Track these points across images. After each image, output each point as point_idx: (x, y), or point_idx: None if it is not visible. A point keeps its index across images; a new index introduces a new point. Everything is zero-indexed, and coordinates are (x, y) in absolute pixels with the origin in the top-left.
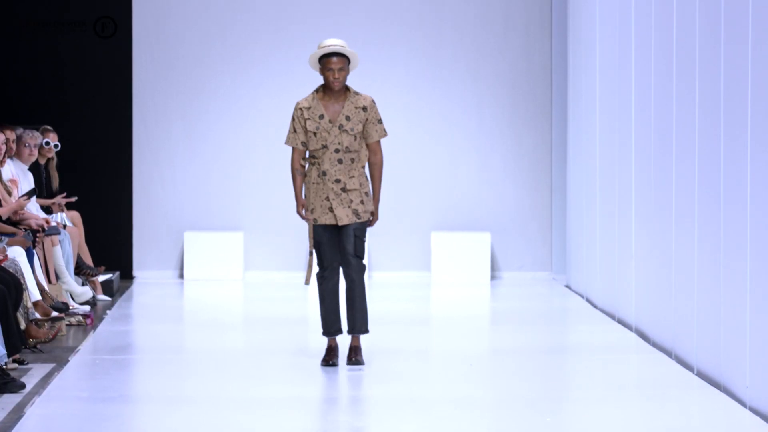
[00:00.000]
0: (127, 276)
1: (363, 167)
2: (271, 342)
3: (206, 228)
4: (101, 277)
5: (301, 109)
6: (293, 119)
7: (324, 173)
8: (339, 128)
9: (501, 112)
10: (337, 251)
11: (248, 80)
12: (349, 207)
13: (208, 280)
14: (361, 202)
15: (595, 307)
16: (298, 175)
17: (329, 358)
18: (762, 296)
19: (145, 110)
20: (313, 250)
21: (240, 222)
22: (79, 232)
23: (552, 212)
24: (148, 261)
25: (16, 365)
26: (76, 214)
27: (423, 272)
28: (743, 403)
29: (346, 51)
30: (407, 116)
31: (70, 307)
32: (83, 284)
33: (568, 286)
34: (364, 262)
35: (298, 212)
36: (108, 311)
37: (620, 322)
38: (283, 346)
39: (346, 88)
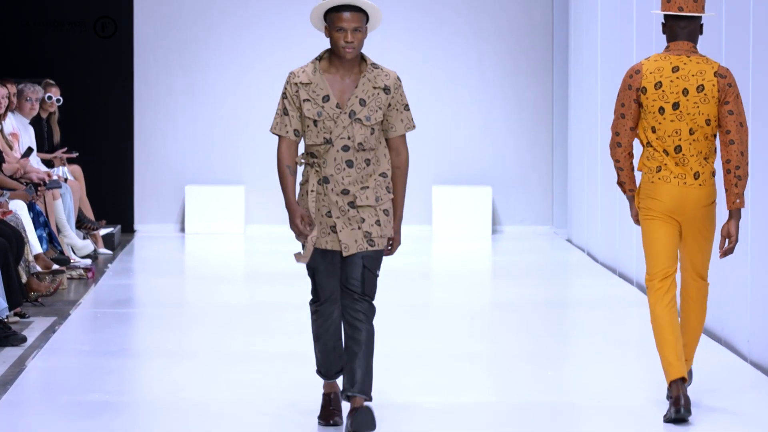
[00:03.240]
0: (128, 230)
1: (382, 174)
2: (272, 296)
3: (207, 182)
4: (102, 231)
5: (297, 84)
6: (284, 97)
7: (326, 180)
8: (350, 116)
9: (502, 67)
10: (337, 280)
11: (250, 34)
12: (359, 229)
13: (209, 234)
14: (377, 222)
15: (596, 261)
16: (290, 174)
17: (330, 416)
18: (763, 251)
19: (146, 64)
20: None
21: (241, 176)
22: (80, 185)
23: (553, 166)
24: (149, 215)
25: (17, 318)
26: (77, 168)
27: (424, 226)
28: (744, 357)
29: (364, 3)
30: (409, 72)
31: (71, 261)
32: (84, 238)
33: (569, 240)
34: (375, 302)
35: (293, 224)
36: (109, 265)
37: (621, 276)
38: (284, 300)
39: (362, 59)
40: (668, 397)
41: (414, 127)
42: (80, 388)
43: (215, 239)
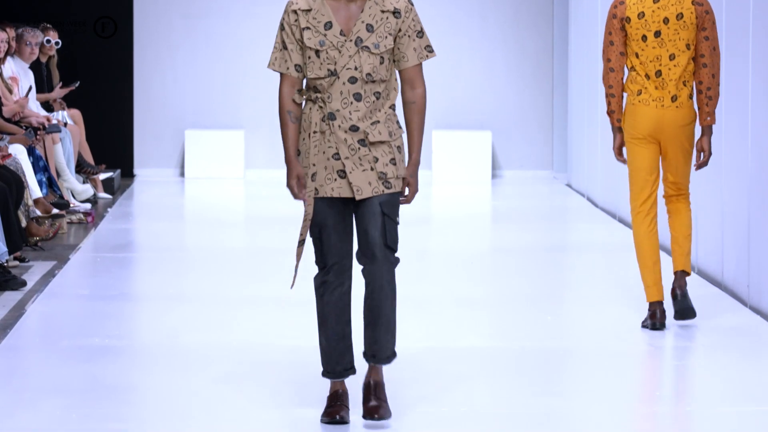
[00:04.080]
0: (128, 174)
1: (392, 107)
2: (271, 241)
3: (207, 126)
4: (102, 175)
5: (295, 12)
6: (282, 28)
7: (332, 116)
8: (356, 44)
9: (503, 12)
10: (350, 241)
11: None
12: (372, 170)
13: (209, 179)
14: (392, 161)
15: (596, 205)
16: (291, 121)
17: (335, 410)
18: (762, 197)
19: (146, 8)
20: (304, 239)
21: (241, 120)
22: (80, 130)
23: (553, 111)
24: (149, 159)
25: (17, 263)
26: (76, 112)
27: (424, 171)
28: (744, 302)
29: None
30: None
31: (71, 205)
32: (84, 182)
33: (569, 185)
34: (398, 254)
35: (290, 185)
36: (109, 209)
37: (621, 221)
38: (283, 244)
39: None
40: (649, 310)
41: (431, 54)
42: (80, 332)
43: (215, 184)
